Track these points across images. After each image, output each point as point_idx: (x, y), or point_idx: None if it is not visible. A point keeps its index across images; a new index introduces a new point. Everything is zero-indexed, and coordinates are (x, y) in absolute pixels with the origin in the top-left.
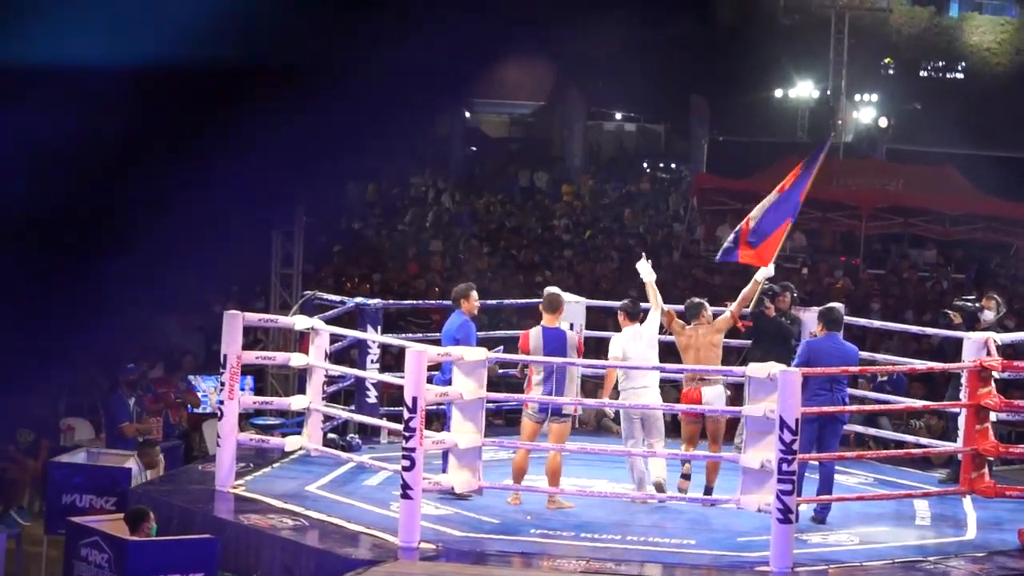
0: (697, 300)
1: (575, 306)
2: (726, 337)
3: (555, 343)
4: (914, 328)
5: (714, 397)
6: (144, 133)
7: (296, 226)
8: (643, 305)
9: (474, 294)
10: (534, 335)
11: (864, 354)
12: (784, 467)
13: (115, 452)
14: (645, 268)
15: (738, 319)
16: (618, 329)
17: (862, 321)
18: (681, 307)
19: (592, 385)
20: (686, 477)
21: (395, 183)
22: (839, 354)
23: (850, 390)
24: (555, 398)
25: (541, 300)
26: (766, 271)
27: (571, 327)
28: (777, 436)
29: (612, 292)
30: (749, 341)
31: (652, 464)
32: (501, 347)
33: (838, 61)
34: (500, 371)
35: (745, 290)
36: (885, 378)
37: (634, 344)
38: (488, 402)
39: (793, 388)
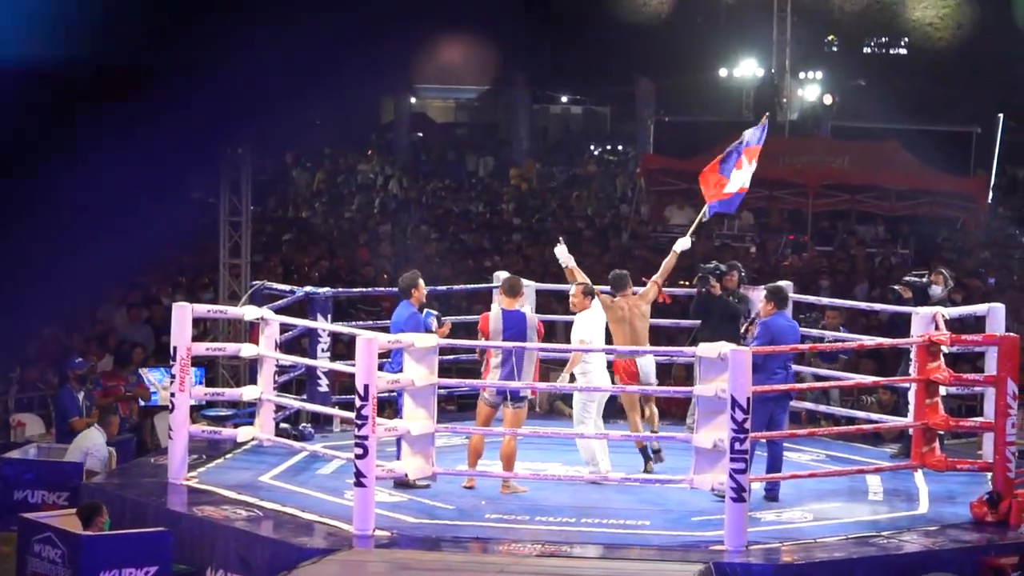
0: (622, 271)
1: (524, 290)
2: (675, 318)
3: (516, 326)
4: (863, 304)
5: (648, 365)
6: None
7: (243, 216)
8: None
9: (421, 283)
10: (494, 317)
11: (814, 332)
12: (736, 446)
13: (65, 447)
14: (563, 253)
15: (661, 290)
16: (566, 312)
17: (811, 298)
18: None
19: (545, 369)
20: (657, 452)
21: (340, 170)
22: (792, 331)
23: (797, 367)
24: (510, 382)
25: (491, 284)
26: (683, 242)
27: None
28: (729, 415)
29: (561, 275)
30: (698, 321)
31: (603, 450)
32: (435, 314)
33: (781, 39)
34: (452, 357)
35: (666, 261)
36: None
37: (598, 325)
38: (440, 388)
39: (744, 367)
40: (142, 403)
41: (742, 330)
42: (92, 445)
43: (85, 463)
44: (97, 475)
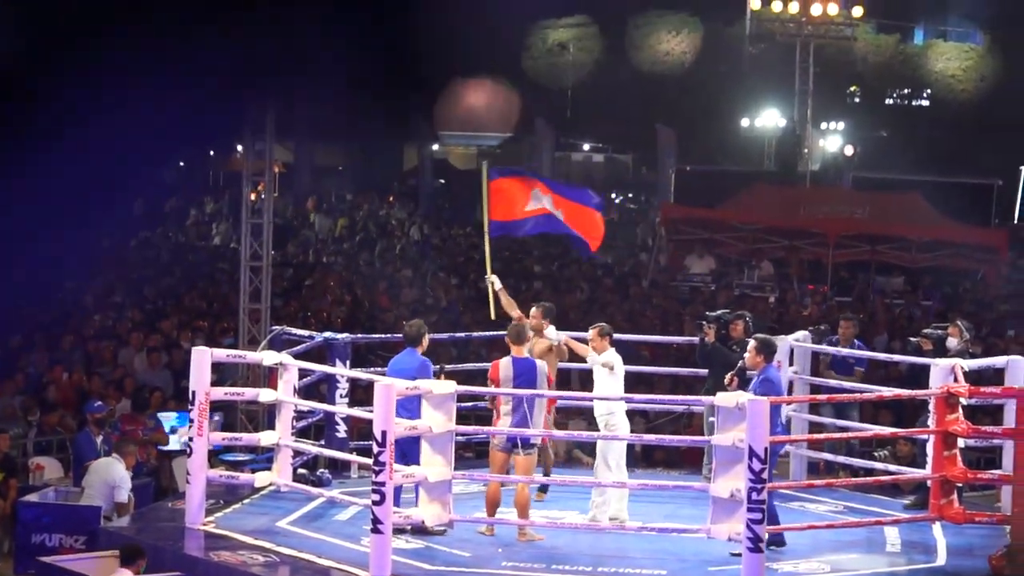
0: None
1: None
2: (683, 367)
3: (526, 373)
4: (882, 355)
5: None
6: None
7: (263, 260)
8: None
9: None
10: (504, 365)
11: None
12: (754, 496)
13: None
14: (553, 333)
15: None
16: (583, 360)
17: (830, 349)
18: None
19: (562, 417)
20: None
21: (362, 215)
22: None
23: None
24: (521, 430)
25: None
26: (492, 278)
27: None
28: (746, 465)
29: (581, 323)
30: (705, 371)
31: (622, 499)
32: (440, 367)
33: (804, 90)
34: (469, 404)
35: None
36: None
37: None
38: (457, 435)
39: (762, 417)
40: (160, 447)
41: (725, 380)
42: (119, 477)
43: (114, 496)
44: (127, 507)
